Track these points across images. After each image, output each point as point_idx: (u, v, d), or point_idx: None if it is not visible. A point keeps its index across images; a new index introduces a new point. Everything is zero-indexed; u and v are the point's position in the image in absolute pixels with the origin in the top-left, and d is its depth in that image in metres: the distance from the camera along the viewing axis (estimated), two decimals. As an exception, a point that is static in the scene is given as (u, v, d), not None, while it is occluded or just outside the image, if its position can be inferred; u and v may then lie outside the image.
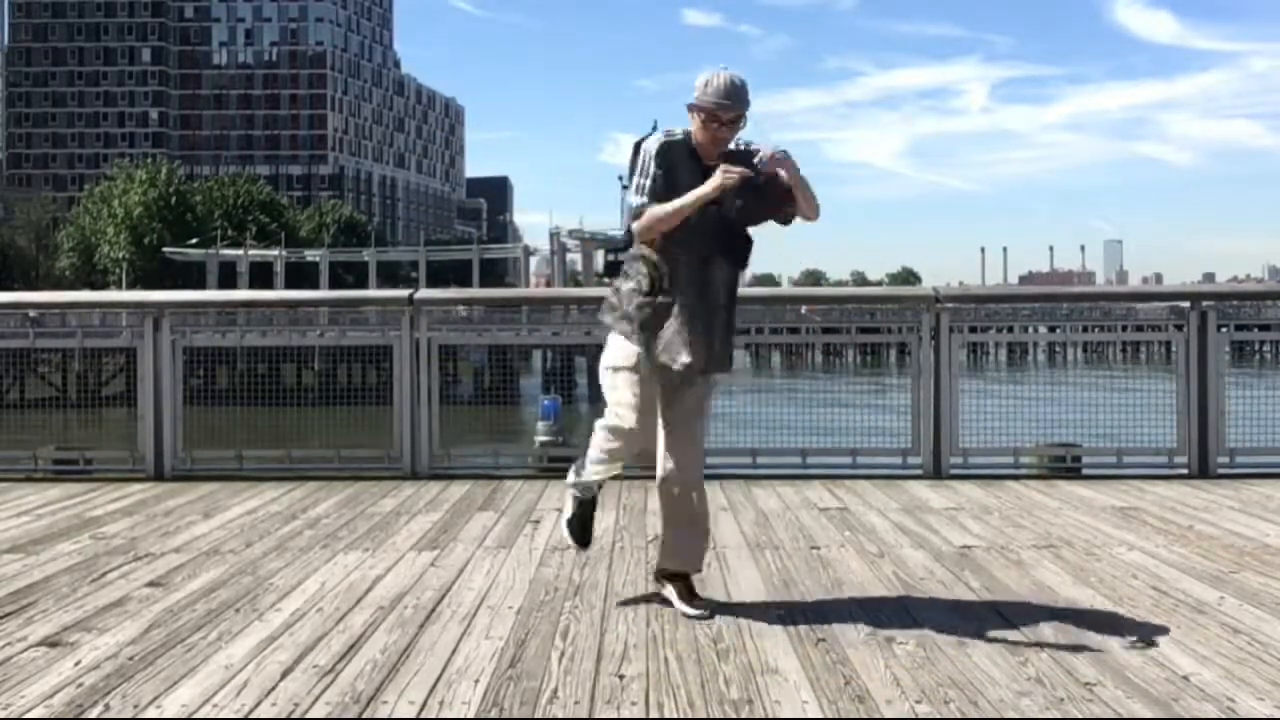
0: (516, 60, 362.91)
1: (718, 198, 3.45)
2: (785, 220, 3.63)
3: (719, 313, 3.56)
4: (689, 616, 3.51)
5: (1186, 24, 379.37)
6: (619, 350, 3.60)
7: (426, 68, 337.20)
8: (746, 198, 3.51)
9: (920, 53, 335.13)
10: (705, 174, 3.48)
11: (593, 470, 3.71)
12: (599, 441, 3.68)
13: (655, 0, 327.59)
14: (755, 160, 3.48)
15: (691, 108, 3.51)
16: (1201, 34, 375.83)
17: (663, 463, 3.64)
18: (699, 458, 3.70)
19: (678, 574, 3.70)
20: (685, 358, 3.48)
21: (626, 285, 3.59)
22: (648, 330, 3.52)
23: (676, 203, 3.45)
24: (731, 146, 3.56)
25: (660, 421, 3.63)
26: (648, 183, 3.51)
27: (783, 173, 3.46)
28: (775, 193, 3.53)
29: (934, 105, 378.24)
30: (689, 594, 3.65)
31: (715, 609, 3.58)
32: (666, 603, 3.66)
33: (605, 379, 3.65)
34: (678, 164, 3.51)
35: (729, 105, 3.45)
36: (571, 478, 3.82)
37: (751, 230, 3.63)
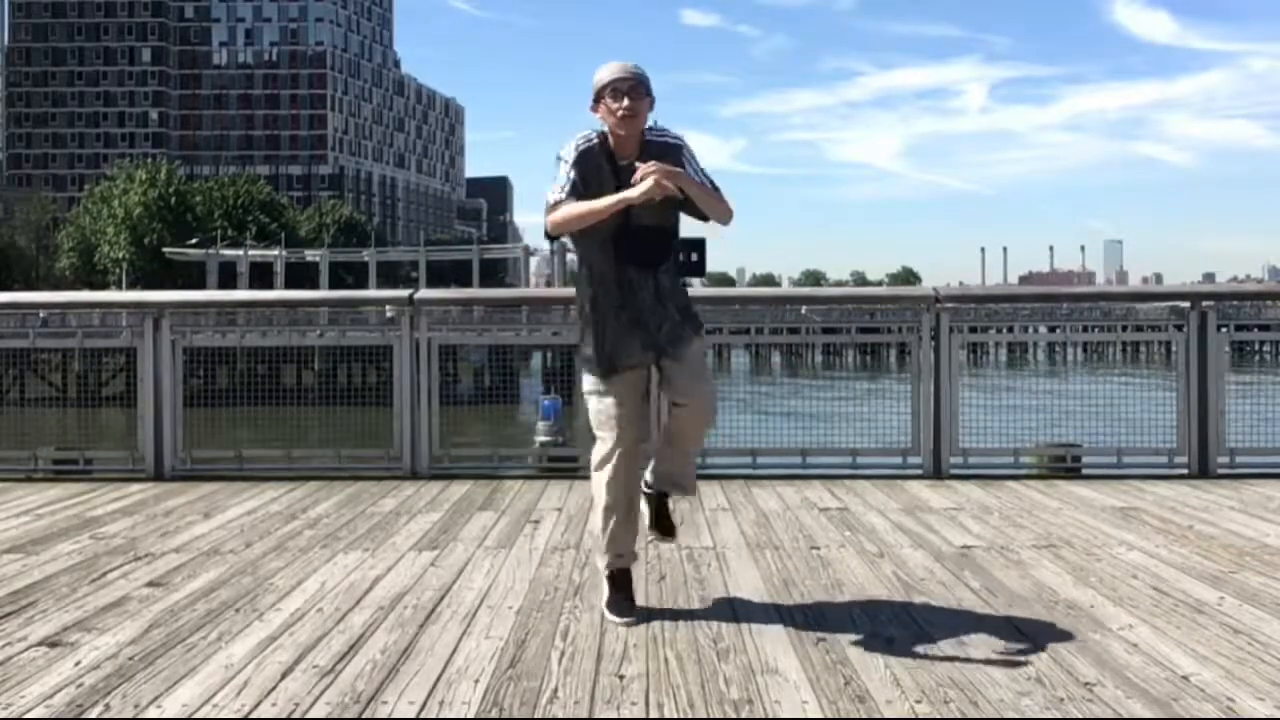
0: (515, 60, 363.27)
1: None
2: (704, 217, 3.53)
3: (653, 309, 3.46)
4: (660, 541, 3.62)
5: (1184, 24, 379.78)
6: (585, 382, 3.58)
7: (426, 68, 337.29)
8: (668, 200, 3.36)
9: (919, 53, 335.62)
10: (619, 173, 3.41)
11: (607, 540, 3.61)
12: (597, 489, 3.59)
13: (653, 1, 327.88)
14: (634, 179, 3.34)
15: (595, 101, 3.44)
16: (1199, 34, 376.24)
17: (681, 398, 3.52)
18: (713, 394, 3.62)
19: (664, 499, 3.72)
20: (634, 359, 3.48)
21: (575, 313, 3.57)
22: (594, 346, 3.49)
23: (596, 202, 3.36)
24: (650, 138, 3.46)
25: (669, 396, 3.57)
26: (565, 183, 3.42)
27: (666, 184, 3.29)
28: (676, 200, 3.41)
29: (933, 105, 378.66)
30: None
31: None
32: (666, 603, 3.68)
33: (588, 408, 3.61)
34: (591, 170, 3.43)
35: (622, 77, 3.39)
36: (599, 559, 3.71)
37: (684, 227, 3.55)
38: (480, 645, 3.23)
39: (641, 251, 3.47)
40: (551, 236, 3.55)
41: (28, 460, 7.04)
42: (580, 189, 3.41)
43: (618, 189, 3.37)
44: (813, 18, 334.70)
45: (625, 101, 3.39)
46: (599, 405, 3.54)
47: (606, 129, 3.47)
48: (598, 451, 3.57)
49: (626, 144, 3.45)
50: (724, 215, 3.52)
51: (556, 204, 3.42)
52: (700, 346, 3.58)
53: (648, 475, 3.74)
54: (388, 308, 7.40)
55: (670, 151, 3.46)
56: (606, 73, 3.43)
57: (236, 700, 2.77)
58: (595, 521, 3.65)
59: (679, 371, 3.50)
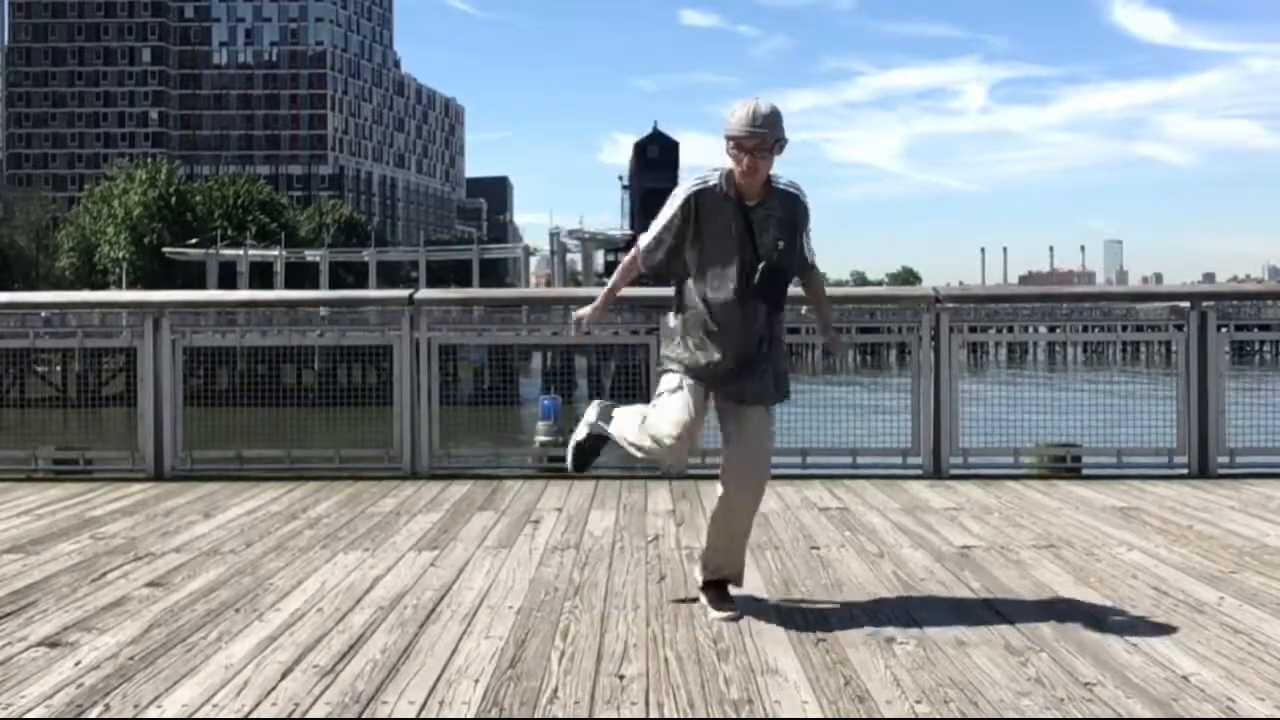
0: (515, 61, 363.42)
1: (755, 240, 3.51)
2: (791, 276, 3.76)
3: (752, 351, 3.56)
4: (721, 619, 3.50)
5: (1183, 24, 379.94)
6: (664, 382, 3.66)
7: (426, 68, 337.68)
8: (788, 236, 3.58)
9: (918, 53, 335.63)
10: (744, 214, 3.54)
11: (642, 447, 3.67)
12: (641, 440, 3.66)
13: (653, 1, 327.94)
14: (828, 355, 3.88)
15: (728, 140, 3.52)
16: (1198, 34, 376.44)
17: (729, 477, 3.61)
18: (763, 476, 3.69)
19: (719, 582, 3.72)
20: (729, 388, 3.56)
21: (671, 322, 3.70)
22: (689, 365, 3.59)
23: (611, 283, 3.84)
24: (778, 185, 3.59)
25: (723, 437, 3.66)
26: (656, 225, 3.62)
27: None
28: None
29: (932, 105, 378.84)
30: (721, 599, 3.65)
31: (742, 614, 3.55)
32: (666, 603, 3.69)
33: (660, 391, 3.69)
34: (707, 212, 3.55)
35: (747, 135, 3.44)
36: (594, 414, 3.89)
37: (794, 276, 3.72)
38: (480, 645, 3.23)
39: (768, 292, 3.56)
40: (645, 272, 3.75)
41: (28, 460, 7.04)
42: (672, 232, 3.59)
43: (742, 229, 3.53)
44: (812, 18, 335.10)
45: (745, 160, 3.48)
46: (670, 401, 3.58)
47: (730, 169, 3.57)
48: (650, 428, 3.61)
49: (750, 190, 3.55)
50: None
51: (640, 243, 3.70)
52: (769, 412, 3.70)
53: (696, 573, 3.81)
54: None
55: (791, 202, 3.60)
56: (737, 123, 3.47)
57: (236, 700, 2.77)
58: (630, 432, 3.72)
59: (742, 432, 3.60)
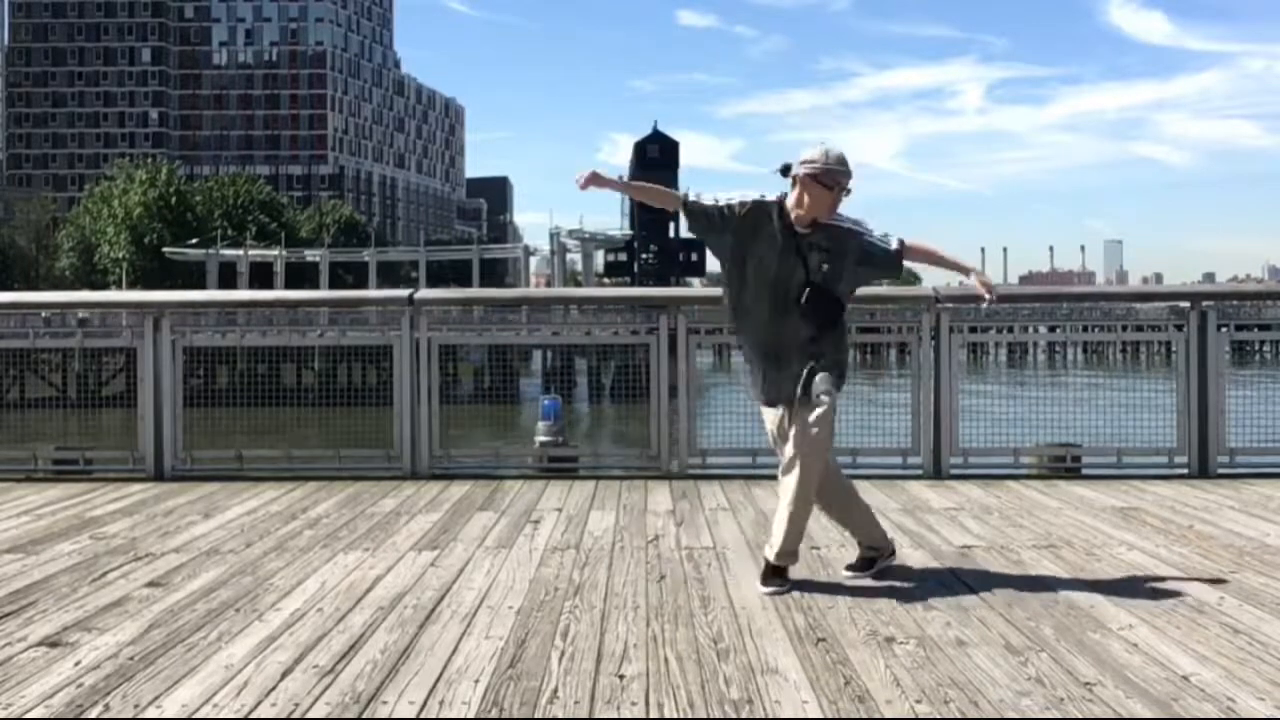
0: (513, 61, 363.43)
1: (804, 259, 3.83)
2: (897, 276, 4.11)
3: (790, 359, 3.86)
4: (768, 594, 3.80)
5: (1180, 25, 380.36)
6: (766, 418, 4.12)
7: (426, 68, 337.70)
8: (834, 262, 3.84)
9: (915, 54, 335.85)
10: (787, 235, 3.85)
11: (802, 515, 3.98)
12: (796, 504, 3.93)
13: (650, 1, 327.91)
14: (983, 306, 4.06)
15: (807, 176, 3.80)
16: (1195, 35, 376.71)
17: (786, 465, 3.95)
18: (810, 461, 3.88)
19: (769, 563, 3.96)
20: (759, 394, 4.01)
21: (738, 356, 4.26)
22: (752, 377, 4.07)
23: (647, 184, 4.18)
24: (844, 224, 3.89)
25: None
26: (713, 199, 3.94)
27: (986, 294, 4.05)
28: (884, 262, 3.93)
29: (930, 106, 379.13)
30: (775, 572, 3.92)
31: (792, 585, 3.87)
32: (666, 603, 3.69)
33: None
34: (758, 224, 3.88)
35: (834, 170, 3.79)
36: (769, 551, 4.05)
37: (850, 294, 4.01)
38: (480, 645, 3.23)
39: (809, 306, 3.85)
40: (686, 206, 4.00)
41: (28, 460, 7.04)
42: (721, 214, 3.92)
43: (791, 249, 3.84)
44: (809, 18, 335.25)
45: (823, 195, 3.80)
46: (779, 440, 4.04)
47: (788, 198, 3.90)
48: (793, 487, 3.93)
49: (803, 221, 3.86)
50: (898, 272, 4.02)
51: (692, 198, 3.98)
52: (819, 407, 3.87)
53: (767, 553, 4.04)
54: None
55: (845, 240, 3.89)
56: (812, 159, 3.81)
57: (236, 700, 2.77)
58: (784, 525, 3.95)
59: (795, 435, 3.90)
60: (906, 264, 4.02)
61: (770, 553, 3.91)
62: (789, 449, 3.89)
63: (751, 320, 3.95)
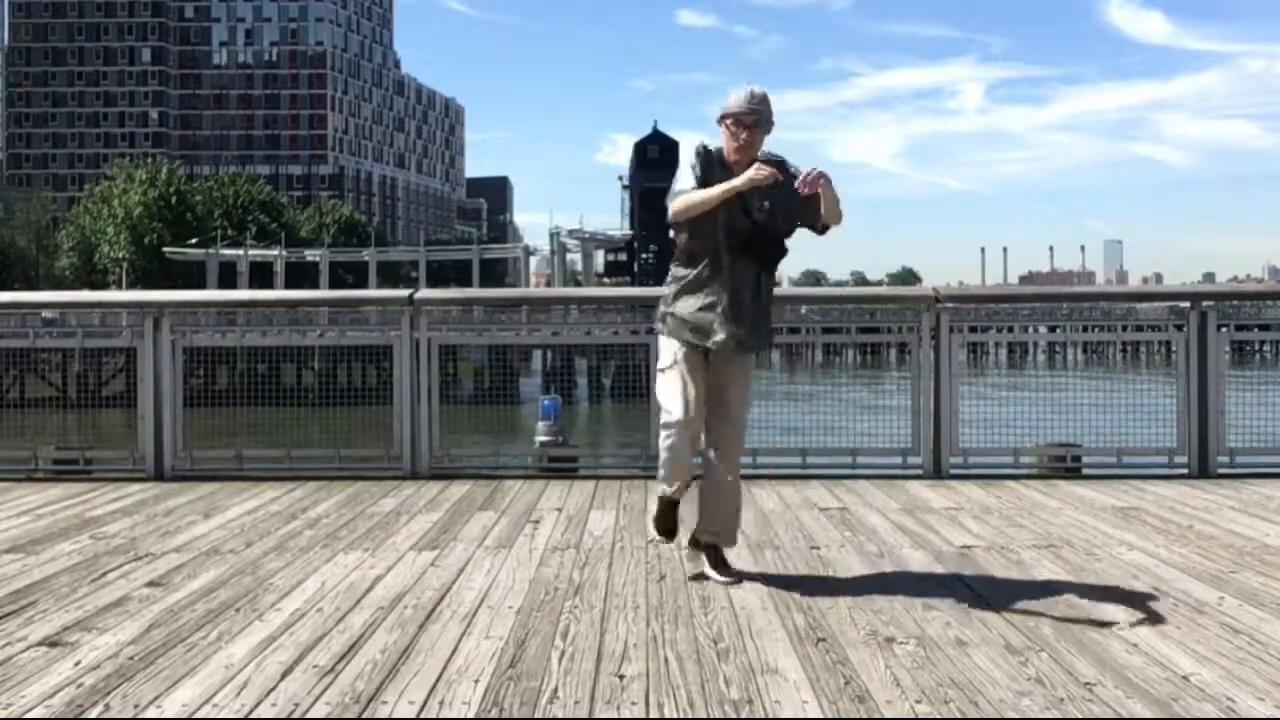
0: (513, 61, 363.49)
1: (745, 201, 3.79)
2: (820, 230, 3.92)
3: (745, 306, 3.84)
4: (719, 582, 3.89)
5: (1178, 25, 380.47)
6: (662, 353, 4.00)
7: (426, 68, 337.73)
8: (775, 202, 3.82)
9: (914, 54, 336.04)
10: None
11: (663, 473, 4.05)
12: (661, 443, 4.03)
13: (650, 1, 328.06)
14: (796, 179, 3.78)
15: (720, 119, 3.88)
16: (1193, 34, 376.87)
17: (711, 442, 4.00)
18: (741, 440, 4.10)
19: (711, 545, 4.05)
20: (719, 335, 3.83)
21: (667, 286, 3.99)
22: (681, 316, 3.90)
23: (708, 191, 3.79)
24: (762, 157, 3.85)
25: (710, 408, 3.95)
26: (690, 176, 3.85)
27: (819, 190, 3.80)
28: (806, 204, 3.81)
29: (930, 106, 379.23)
30: (721, 563, 4.02)
31: (742, 577, 3.94)
32: (666, 603, 3.67)
33: (657, 384, 4.05)
34: (708, 175, 3.83)
35: (748, 111, 3.81)
36: (660, 487, 4.16)
37: (787, 237, 3.96)
38: (480, 645, 3.23)
39: (759, 250, 3.87)
40: (672, 225, 3.94)
41: (28, 460, 7.03)
42: (701, 183, 3.83)
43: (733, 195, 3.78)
44: (809, 18, 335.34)
45: (744, 135, 3.84)
46: (669, 381, 3.93)
47: (721, 147, 3.90)
48: (664, 419, 3.95)
49: (740, 166, 3.83)
50: (837, 218, 3.88)
51: (679, 193, 3.85)
52: (752, 361, 4.03)
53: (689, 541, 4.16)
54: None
55: (775, 166, 3.83)
56: (735, 101, 3.84)
57: (236, 700, 2.77)
58: (661, 472, 4.07)
59: (729, 387, 3.95)
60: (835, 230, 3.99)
61: (725, 539, 4.03)
62: (726, 423, 3.95)
63: (705, 267, 3.87)
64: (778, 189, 3.78)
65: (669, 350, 3.95)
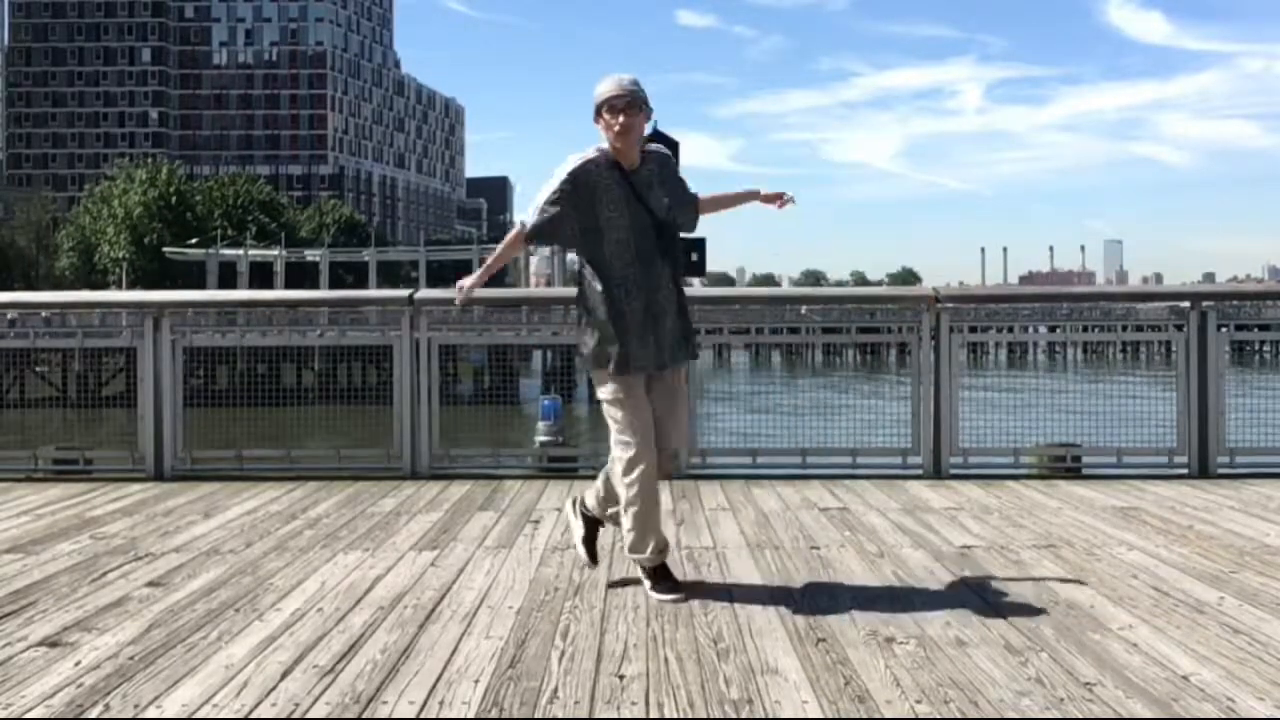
0: (513, 61, 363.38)
1: (645, 199, 3.73)
2: (691, 228, 3.93)
3: (665, 313, 3.77)
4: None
5: (1178, 25, 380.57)
6: (598, 386, 3.82)
7: (425, 68, 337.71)
8: (671, 192, 3.81)
9: (914, 54, 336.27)
10: (622, 183, 3.73)
11: (632, 537, 3.81)
12: (621, 489, 3.80)
13: (650, 1, 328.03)
14: (779, 204, 3.90)
15: (595, 114, 3.75)
16: (1193, 35, 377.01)
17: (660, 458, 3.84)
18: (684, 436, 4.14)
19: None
20: (622, 362, 3.71)
21: (581, 320, 3.85)
22: (603, 348, 3.75)
23: (501, 248, 4.03)
24: (648, 149, 3.82)
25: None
26: (540, 198, 3.78)
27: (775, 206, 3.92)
28: (685, 202, 3.86)
29: (929, 106, 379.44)
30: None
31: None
32: (668, 601, 3.70)
33: (605, 413, 3.84)
34: (594, 185, 3.73)
35: (618, 94, 3.69)
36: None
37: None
38: (480, 645, 3.23)
39: (670, 250, 3.79)
40: (530, 239, 3.83)
41: (28, 460, 7.03)
42: (558, 210, 3.74)
43: (630, 195, 3.73)
44: (808, 18, 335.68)
45: (621, 119, 3.70)
46: (620, 413, 3.73)
47: (607, 145, 3.77)
48: (623, 457, 3.73)
49: (627, 155, 3.76)
50: (694, 223, 3.93)
51: (525, 223, 3.82)
52: (684, 375, 3.98)
53: (589, 500, 4.04)
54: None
55: (665, 162, 3.86)
56: (603, 89, 3.73)
57: (236, 700, 2.77)
58: (626, 523, 3.81)
59: (665, 406, 3.82)
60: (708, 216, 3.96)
61: (653, 556, 3.80)
62: (670, 437, 3.84)
63: (620, 282, 3.72)
64: (663, 173, 3.79)
65: (602, 381, 3.78)
